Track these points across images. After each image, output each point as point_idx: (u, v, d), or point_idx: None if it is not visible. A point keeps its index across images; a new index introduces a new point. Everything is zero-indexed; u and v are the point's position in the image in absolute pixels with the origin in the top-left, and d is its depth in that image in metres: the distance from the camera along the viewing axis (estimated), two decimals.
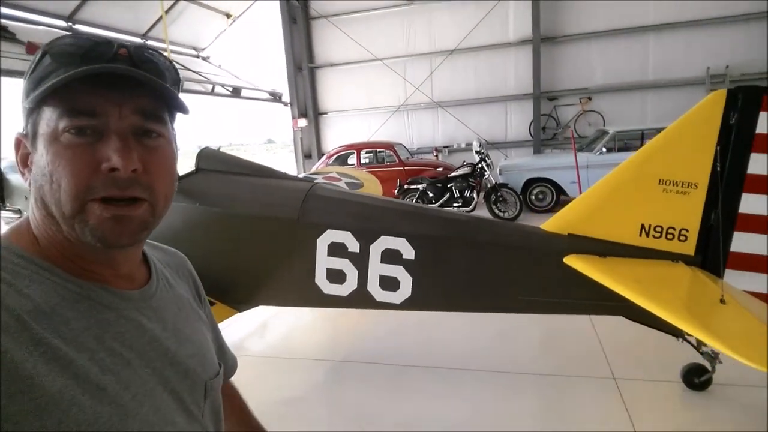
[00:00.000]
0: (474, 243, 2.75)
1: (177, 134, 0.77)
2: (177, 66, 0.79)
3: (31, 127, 0.67)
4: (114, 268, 0.72)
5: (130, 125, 0.67)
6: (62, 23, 9.46)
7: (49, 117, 0.65)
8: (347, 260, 2.85)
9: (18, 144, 0.71)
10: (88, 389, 0.59)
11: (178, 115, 0.77)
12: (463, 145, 12.98)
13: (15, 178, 4.23)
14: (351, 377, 3.56)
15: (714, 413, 2.79)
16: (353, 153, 10.86)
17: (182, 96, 0.75)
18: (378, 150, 10.93)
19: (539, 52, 11.96)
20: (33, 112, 0.67)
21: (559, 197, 8.94)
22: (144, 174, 0.67)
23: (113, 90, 0.66)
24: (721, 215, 2.48)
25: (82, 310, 0.65)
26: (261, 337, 4.51)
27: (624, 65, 11.74)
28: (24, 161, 0.70)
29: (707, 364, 2.82)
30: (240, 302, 3.10)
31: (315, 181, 3.76)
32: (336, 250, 2.84)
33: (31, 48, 6.58)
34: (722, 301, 2.09)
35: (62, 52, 0.66)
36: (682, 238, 2.55)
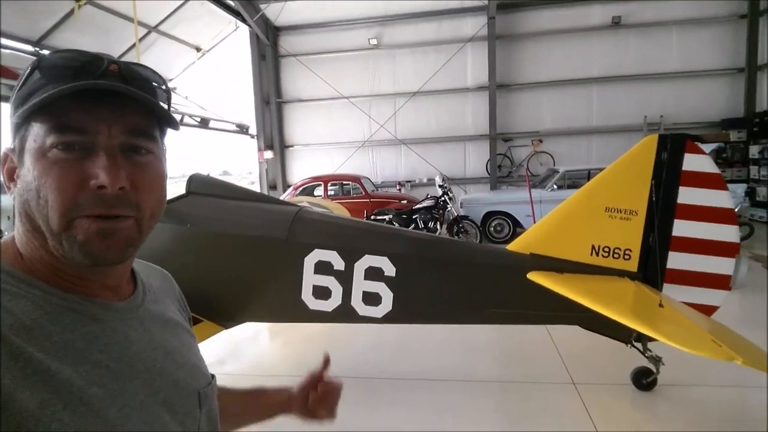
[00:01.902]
0: (448, 261, 3.04)
1: (167, 150, 0.76)
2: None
3: (18, 142, 0.66)
4: (100, 282, 0.71)
5: (120, 143, 0.66)
6: (30, 48, 9.40)
7: (36, 132, 0.63)
8: (332, 277, 3.04)
9: (5, 159, 0.69)
10: (71, 404, 0.57)
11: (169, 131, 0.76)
12: (424, 180, 13.60)
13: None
14: None
15: (662, 410, 3.16)
16: (320, 185, 11.13)
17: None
18: (344, 182, 11.27)
19: (495, 98, 12.88)
20: (21, 127, 0.65)
21: (515, 229, 9.51)
22: (131, 191, 0.66)
23: (103, 106, 0.65)
24: (657, 238, 2.93)
25: (65, 323, 0.63)
26: (237, 355, 4.56)
27: (571, 112, 12.87)
28: (10, 175, 0.68)
29: (652, 367, 3.19)
30: (227, 319, 3.21)
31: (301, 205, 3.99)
32: (322, 268, 3.03)
33: (2, 71, 6.56)
34: (661, 306, 2.48)
35: (52, 66, 0.66)
36: (626, 257, 2.96)
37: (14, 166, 0.68)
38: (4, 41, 8.89)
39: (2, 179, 0.70)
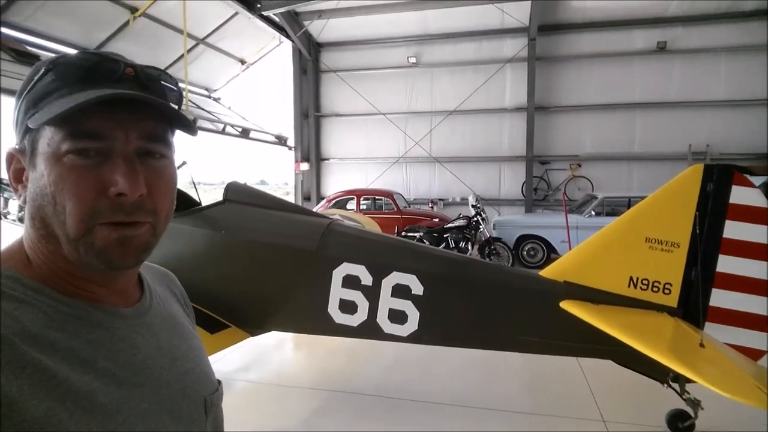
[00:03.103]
0: (478, 284, 2.98)
1: (176, 150, 0.75)
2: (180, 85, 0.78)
3: (29, 144, 0.65)
4: (108, 287, 0.71)
5: (136, 147, 0.66)
6: None
7: (50, 137, 0.62)
8: (360, 292, 3.03)
9: (10, 159, 0.68)
10: (76, 412, 0.57)
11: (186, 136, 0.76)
12: (458, 199, 13.50)
13: None
14: (346, 408, 3.63)
15: None
16: (353, 198, 11.23)
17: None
18: (377, 197, 11.32)
19: (533, 119, 12.73)
20: (31, 129, 0.64)
21: (549, 255, 9.28)
22: (148, 197, 0.66)
23: (119, 112, 0.64)
24: (700, 273, 2.79)
25: (71, 330, 0.63)
26: (260, 363, 4.58)
27: (612, 137, 12.55)
28: (17, 177, 0.68)
29: (690, 411, 3.00)
30: (254, 327, 3.25)
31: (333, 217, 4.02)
32: (350, 282, 3.03)
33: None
34: (702, 345, 2.35)
35: (67, 65, 0.64)
36: (666, 291, 2.83)
37: (21, 167, 0.67)
38: (62, 48, 9.45)
39: (8, 181, 0.69)
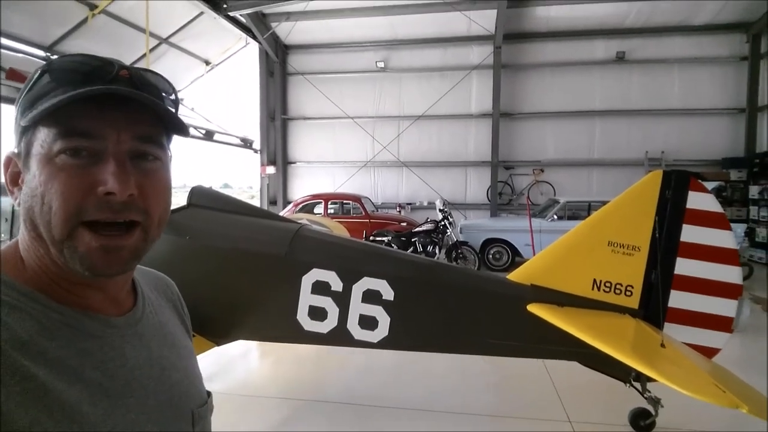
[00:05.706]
0: (449, 288, 3.00)
1: (172, 157, 0.75)
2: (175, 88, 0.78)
3: (24, 147, 0.65)
4: (101, 291, 0.71)
5: (128, 149, 0.65)
6: (41, 53, 9.49)
7: (43, 138, 0.63)
8: (330, 298, 2.99)
9: (8, 163, 0.68)
10: (62, 422, 0.57)
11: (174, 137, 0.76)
12: (425, 203, 13.60)
13: None
14: (316, 417, 3.58)
15: None
16: (320, 203, 11.14)
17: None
18: (345, 201, 11.27)
19: (498, 126, 12.99)
20: (27, 131, 0.64)
21: (514, 258, 9.47)
22: (139, 198, 0.65)
23: (112, 112, 0.64)
24: (659, 275, 2.89)
25: (61, 339, 0.62)
26: (225, 373, 4.46)
27: (573, 143, 12.98)
28: (13, 180, 0.68)
29: (651, 409, 3.10)
30: (220, 336, 3.15)
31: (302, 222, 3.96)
32: (320, 288, 2.99)
33: (12, 74, 6.60)
34: (662, 346, 2.44)
35: (62, 69, 0.65)
36: (627, 293, 2.93)
37: (18, 171, 0.67)
38: (16, 45, 8.98)
39: (5, 184, 0.69)
